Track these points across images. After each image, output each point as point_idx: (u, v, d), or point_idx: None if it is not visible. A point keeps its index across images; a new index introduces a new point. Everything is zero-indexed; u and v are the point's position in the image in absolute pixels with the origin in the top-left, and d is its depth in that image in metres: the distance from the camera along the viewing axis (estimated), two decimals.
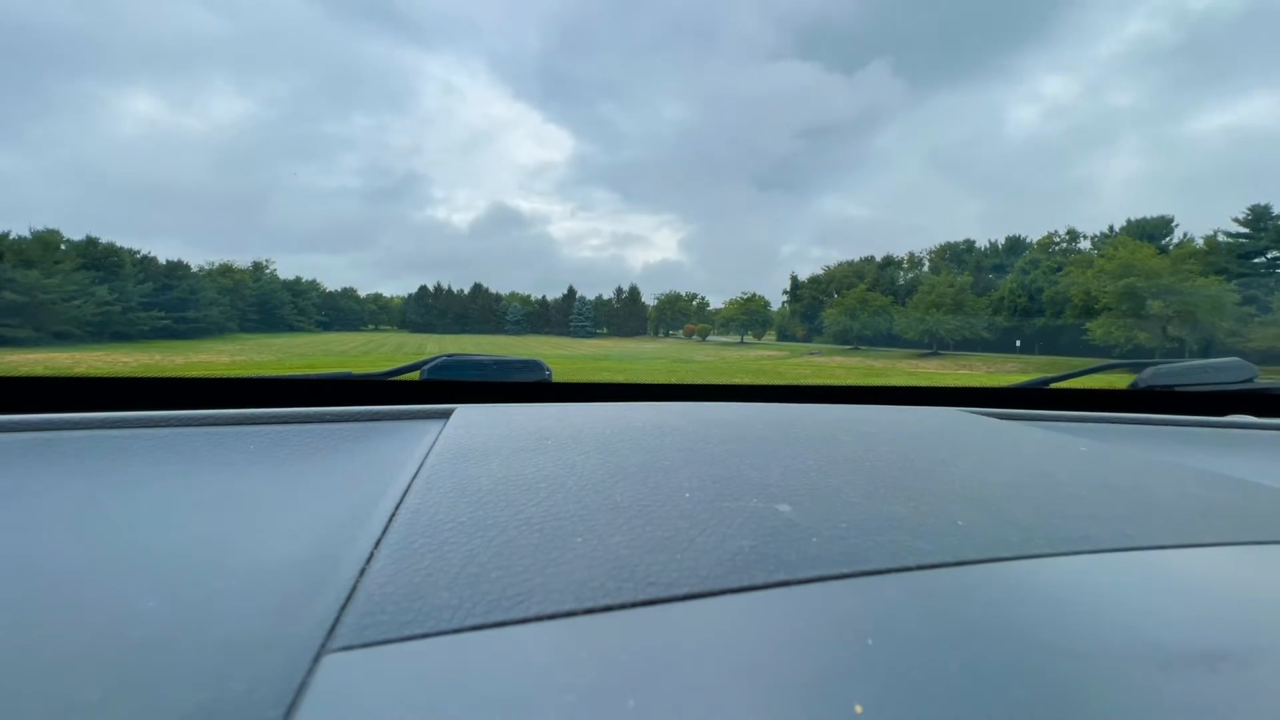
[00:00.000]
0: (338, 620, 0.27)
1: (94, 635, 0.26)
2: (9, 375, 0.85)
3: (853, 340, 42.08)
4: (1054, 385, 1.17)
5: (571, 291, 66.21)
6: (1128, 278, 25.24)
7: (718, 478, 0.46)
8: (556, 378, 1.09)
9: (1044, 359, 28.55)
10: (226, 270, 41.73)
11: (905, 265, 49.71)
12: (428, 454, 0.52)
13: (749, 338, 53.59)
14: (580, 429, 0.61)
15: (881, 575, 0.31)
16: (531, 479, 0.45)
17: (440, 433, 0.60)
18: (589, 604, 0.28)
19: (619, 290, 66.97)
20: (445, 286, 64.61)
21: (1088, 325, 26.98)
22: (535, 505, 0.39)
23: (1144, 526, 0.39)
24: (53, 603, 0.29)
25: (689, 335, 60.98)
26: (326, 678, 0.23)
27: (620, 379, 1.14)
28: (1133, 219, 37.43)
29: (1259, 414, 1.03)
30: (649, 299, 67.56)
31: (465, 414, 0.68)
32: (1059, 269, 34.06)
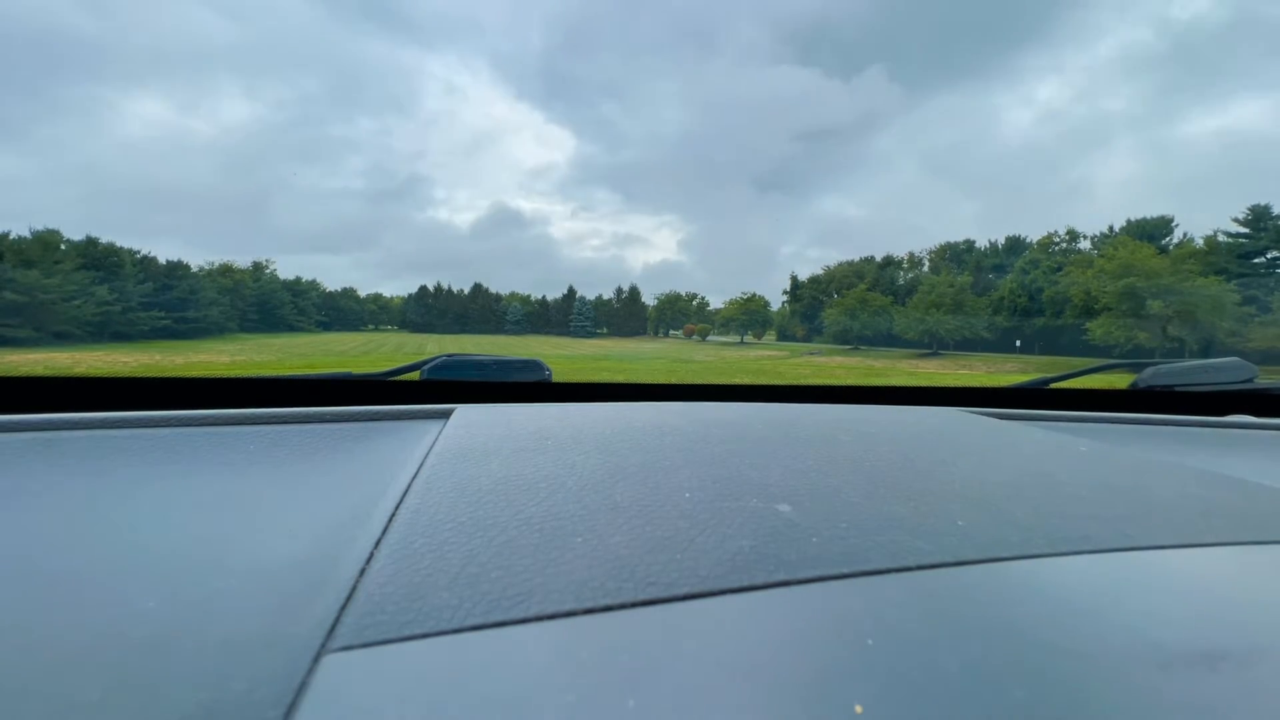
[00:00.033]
0: (338, 620, 0.27)
1: (94, 635, 0.26)
2: (9, 375, 0.85)
3: (853, 340, 42.08)
4: (1054, 385, 1.16)
5: (571, 291, 66.23)
6: (1128, 278, 25.24)
7: (718, 478, 0.46)
8: (556, 378, 1.09)
9: (1044, 359, 28.55)
10: (226, 270, 41.73)
11: (905, 265, 49.72)
12: (428, 454, 0.52)
13: (749, 338, 53.59)
14: (580, 429, 0.61)
15: (881, 575, 0.31)
16: (531, 479, 0.45)
17: (440, 433, 0.60)
18: (589, 604, 0.28)
19: (619, 290, 67.00)
20: (445, 286, 64.67)
21: (1088, 325, 26.99)
22: (535, 505, 0.39)
23: (1144, 526, 0.39)
24: (53, 603, 0.29)
25: (689, 335, 60.98)
26: (326, 678, 0.23)
27: (620, 379, 1.14)
28: (1133, 219, 37.45)
29: (1259, 414, 1.03)
30: (649, 299, 67.62)
31: (465, 414, 0.68)
32: (1059, 269, 34.07)
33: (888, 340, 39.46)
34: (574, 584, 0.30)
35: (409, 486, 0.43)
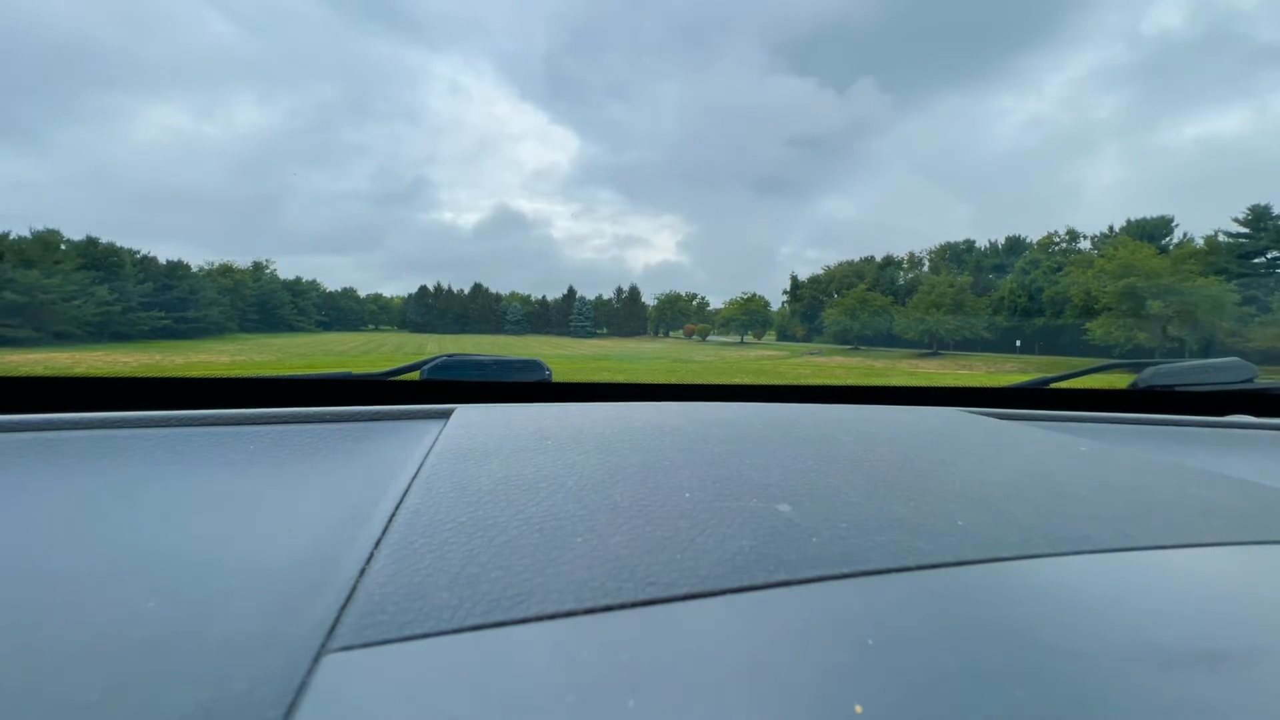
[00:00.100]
0: (338, 620, 0.27)
1: (94, 635, 0.26)
2: (9, 375, 0.85)
3: (853, 340, 42.09)
4: (1054, 385, 1.16)
5: (571, 291, 66.23)
6: (1128, 278, 25.24)
7: (718, 478, 0.46)
8: (556, 378, 1.09)
9: (1044, 359, 28.55)
10: (226, 270, 41.74)
11: (905, 265, 49.72)
12: (428, 454, 0.52)
13: (749, 338, 53.59)
14: (580, 429, 0.61)
15: (881, 575, 0.31)
16: (531, 479, 0.45)
17: (440, 433, 0.60)
18: (589, 604, 0.28)
19: (619, 290, 67.00)
20: (445, 286, 64.68)
21: (1088, 325, 26.99)
22: (535, 505, 0.39)
23: (1144, 526, 0.39)
24: (53, 603, 0.29)
25: (689, 335, 60.99)
26: (326, 678, 0.23)
27: (620, 379, 1.14)
28: (1133, 219, 37.45)
29: (1259, 414, 1.03)
30: (649, 299, 67.62)
31: (465, 414, 0.68)
32: (1059, 269, 34.07)
33: (888, 340, 39.46)
34: (574, 584, 0.30)
35: (409, 486, 0.43)
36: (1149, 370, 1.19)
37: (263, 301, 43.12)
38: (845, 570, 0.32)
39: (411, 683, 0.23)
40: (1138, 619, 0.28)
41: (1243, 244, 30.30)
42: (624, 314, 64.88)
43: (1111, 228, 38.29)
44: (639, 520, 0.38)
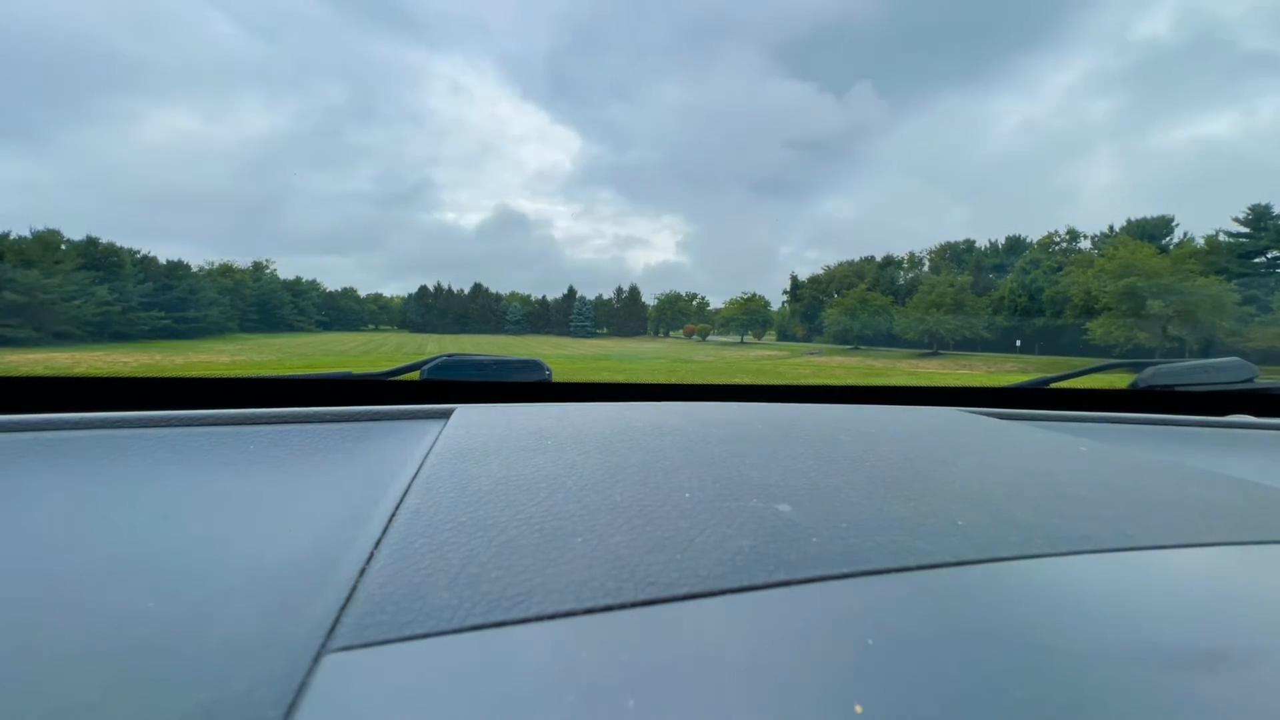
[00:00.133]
0: (338, 620, 0.27)
1: (94, 635, 0.26)
2: (9, 375, 0.85)
3: (853, 340, 42.09)
4: (1054, 385, 1.16)
5: (571, 291, 66.22)
6: (1128, 277, 25.24)
7: (718, 478, 0.46)
8: (556, 378, 1.09)
9: (1044, 359, 28.55)
10: (226, 270, 41.74)
11: (905, 265, 49.71)
12: (428, 454, 0.52)
13: (749, 338, 53.58)
14: (580, 429, 0.61)
15: (881, 575, 0.31)
16: (531, 479, 0.45)
17: (440, 433, 0.60)
18: (589, 604, 0.28)
19: (619, 290, 66.99)
20: (445, 286, 64.68)
21: (1088, 325, 26.98)
22: (535, 505, 0.39)
23: (1144, 526, 0.39)
24: (53, 603, 0.29)
25: (689, 335, 60.98)
26: (326, 678, 0.23)
27: (620, 379, 1.14)
28: (1133, 219, 37.43)
29: (1259, 414, 1.03)
30: (649, 299, 67.62)
31: (465, 414, 0.68)
32: (1059, 269, 34.06)
33: (888, 340, 39.46)
34: (574, 584, 0.30)
35: (409, 486, 0.43)
36: (1149, 370, 1.19)
37: (263, 301, 43.13)
38: (845, 570, 0.32)
39: (411, 683, 0.23)
40: (1138, 619, 0.28)
41: (1243, 244, 30.29)
42: (624, 314, 64.87)
43: (1112, 227, 38.29)
44: (639, 520, 0.38)
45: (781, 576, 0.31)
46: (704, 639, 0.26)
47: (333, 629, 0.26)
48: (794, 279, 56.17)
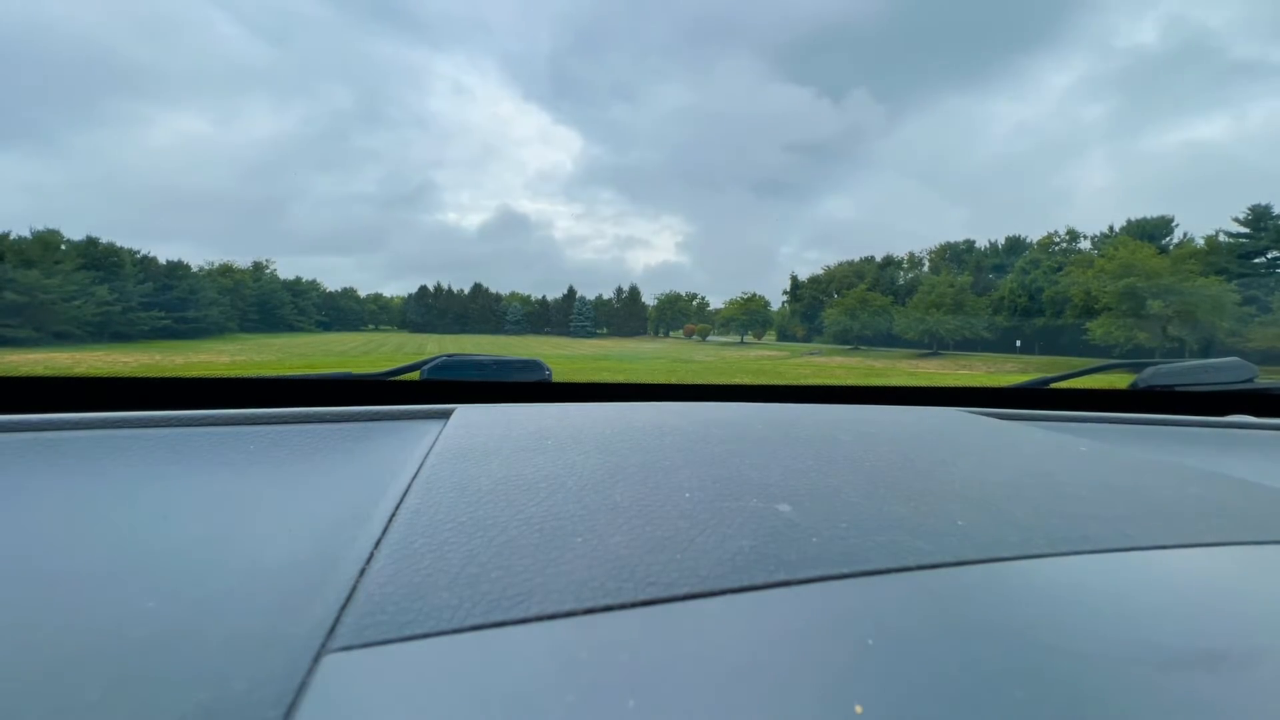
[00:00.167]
0: (338, 620, 0.27)
1: (94, 635, 0.26)
2: (9, 375, 0.85)
3: (853, 340, 42.10)
4: (1054, 385, 1.16)
5: (571, 291, 66.24)
6: (1128, 278, 25.25)
7: (718, 478, 0.46)
8: (556, 378, 1.09)
9: (1044, 359, 28.55)
10: (226, 270, 41.76)
11: (905, 265, 49.71)
12: (428, 454, 0.52)
13: (749, 338, 53.60)
14: (580, 429, 0.61)
15: (881, 575, 0.31)
16: (531, 479, 0.45)
17: (440, 433, 0.60)
18: (589, 604, 0.28)
19: (619, 290, 66.99)
20: (445, 287, 64.70)
21: (1088, 325, 26.99)
22: (535, 505, 0.39)
23: (1144, 526, 0.39)
24: (53, 603, 0.29)
25: (689, 335, 61.00)
26: (326, 678, 0.23)
27: (620, 379, 1.14)
28: (1133, 219, 37.43)
29: (1259, 414, 1.03)
30: (649, 299, 67.63)
31: (465, 414, 0.68)
32: (1059, 269, 34.07)
33: (888, 340, 39.47)
34: (574, 584, 0.30)
35: (409, 486, 0.43)
36: (1149, 370, 1.19)
37: (263, 301, 43.15)
38: (845, 570, 0.32)
39: (411, 683, 0.23)
40: (1138, 619, 0.28)
41: (1243, 244, 30.29)
42: (624, 314, 64.88)
43: (1112, 228, 38.30)
44: (639, 520, 0.38)
45: (781, 576, 0.31)
46: (704, 639, 0.26)
47: (333, 629, 0.26)
48: (794, 279, 56.22)
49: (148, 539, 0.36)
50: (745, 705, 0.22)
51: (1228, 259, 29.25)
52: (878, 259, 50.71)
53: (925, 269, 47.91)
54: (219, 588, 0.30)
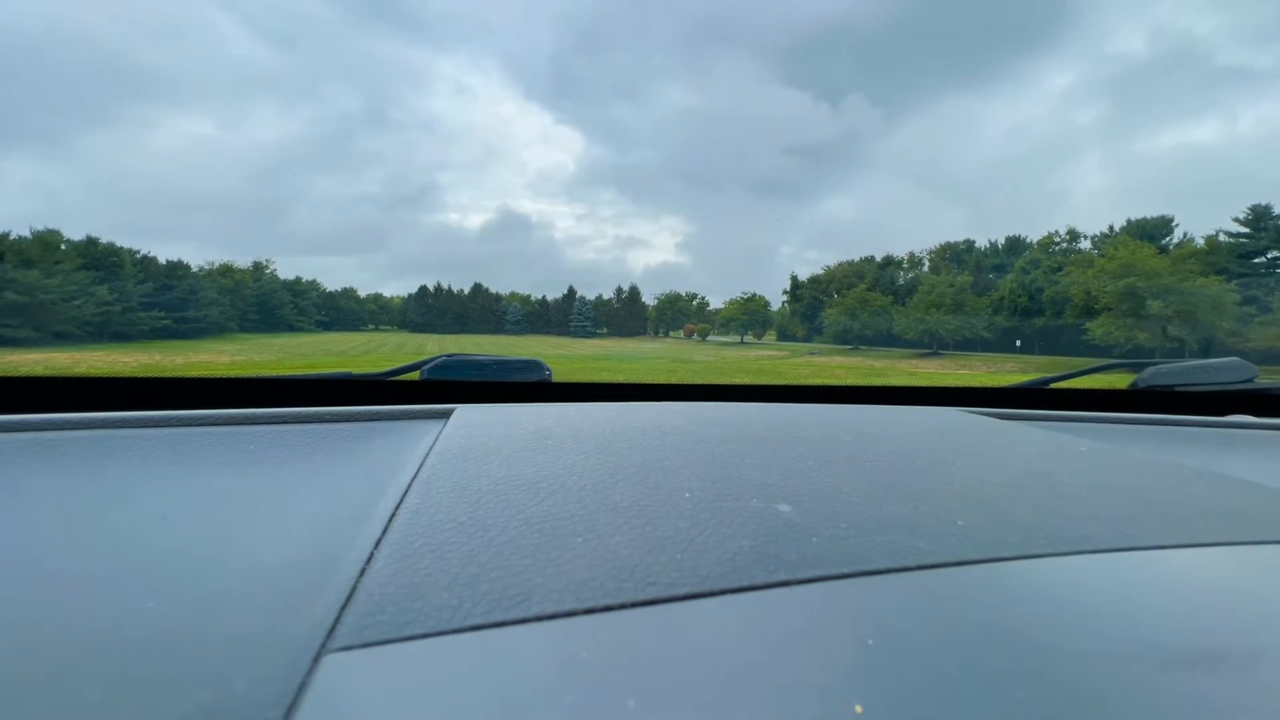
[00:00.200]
0: (338, 620, 0.27)
1: (94, 635, 0.26)
2: (9, 375, 0.85)
3: (853, 340, 42.10)
4: (1054, 385, 1.16)
5: (571, 291, 66.24)
6: (1128, 278, 25.25)
7: (718, 478, 0.46)
8: (556, 378, 1.09)
9: (1044, 359, 28.55)
10: (226, 270, 41.75)
11: (905, 265, 49.70)
12: (428, 454, 0.52)
13: (749, 338, 53.60)
14: (580, 429, 0.61)
15: (881, 575, 0.31)
16: (531, 479, 0.45)
17: (440, 433, 0.60)
18: (589, 604, 0.28)
19: (619, 290, 66.99)
20: (445, 286, 64.71)
21: (1088, 325, 26.99)
22: (535, 505, 0.39)
23: (1144, 526, 0.39)
24: (53, 603, 0.29)
25: (689, 335, 61.01)
26: (326, 678, 0.23)
27: (620, 379, 1.14)
28: (1133, 219, 37.42)
29: (1259, 414, 1.03)
30: (649, 299, 67.63)
31: (465, 414, 0.68)
32: (1059, 269, 34.07)
33: (888, 340, 39.47)
34: (574, 584, 0.30)
35: (409, 486, 0.43)
36: (1149, 370, 1.19)
37: (263, 301, 43.16)
38: (845, 570, 0.32)
39: (411, 683, 0.23)
40: (1138, 619, 0.28)
41: (1243, 244, 30.28)
42: (624, 314, 64.88)
43: (1111, 227, 38.29)
44: (639, 520, 0.38)
45: (781, 576, 0.31)
46: (704, 639, 0.26)
47: (333, 629, 0.26)
48: (794, 279, 56.22)
49: (148, 539, 0.36)
50: (745, 705, 0.22)
51: (1228, 259, 29.25)
52: (878, 259, 50.71)
53: (925, 269, 47.91)
54: (219, 588, 0.30)
